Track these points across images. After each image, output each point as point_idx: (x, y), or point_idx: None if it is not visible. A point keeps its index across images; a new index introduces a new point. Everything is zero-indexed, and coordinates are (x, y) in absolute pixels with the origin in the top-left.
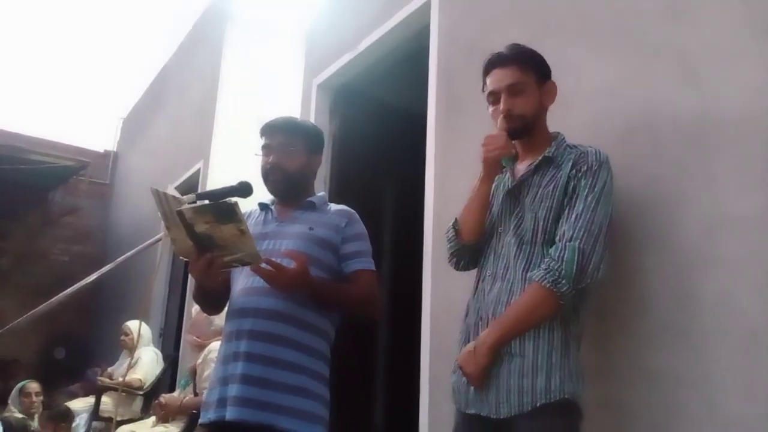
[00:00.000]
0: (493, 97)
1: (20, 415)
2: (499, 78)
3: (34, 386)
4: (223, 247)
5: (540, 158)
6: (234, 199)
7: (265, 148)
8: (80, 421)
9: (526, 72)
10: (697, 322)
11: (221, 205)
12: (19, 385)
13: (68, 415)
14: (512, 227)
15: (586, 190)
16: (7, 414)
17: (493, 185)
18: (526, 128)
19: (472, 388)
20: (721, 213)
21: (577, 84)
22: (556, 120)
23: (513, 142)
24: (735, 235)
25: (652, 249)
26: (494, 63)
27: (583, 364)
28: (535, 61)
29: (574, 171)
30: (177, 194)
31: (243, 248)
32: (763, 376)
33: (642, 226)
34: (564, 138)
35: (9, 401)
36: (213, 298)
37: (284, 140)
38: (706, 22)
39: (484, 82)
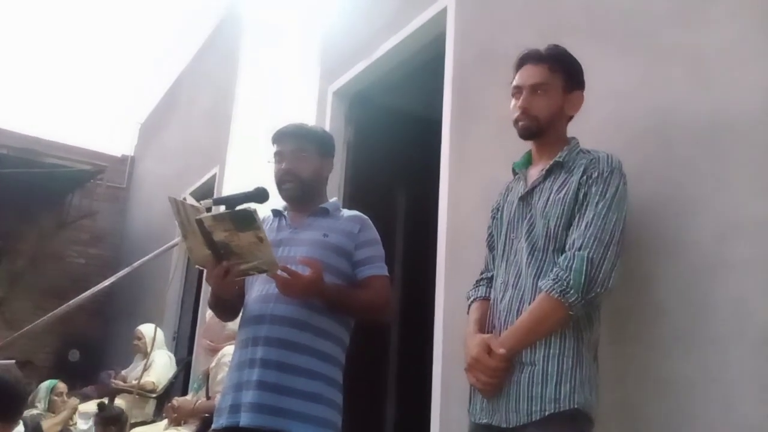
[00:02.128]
0: (517, 92)
1: (37, 412)
2: (527, 74)
3: (63, 386)
4: (240, 255)
5: (551, 163)
6: (253, 206)
7: (277, 155)
8: (94, 423)
9: (554, 74)
10: (710, 327)
11: (241, 213)
12: (50, 384)
13: (121, 418)
14: (524, 233)
15: (597, 197)
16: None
17: (507, 190)
18: (539, 130)
19: (485, 398)
20: (733, 217)
21: (589, 87)
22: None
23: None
24: (748, 239)
25: (663, 253)
26: (527, 59)
27: (597, 372)
28: (567, 67)
29: (585, 177)
30: (195, 202)
31: (260, 256)
32: None
33: (654, 230)
34: (578, 143)
35: (37, 399)
36: (229, 306)
37: (296, 146)
38: (718, 24)
39: (514, 76)
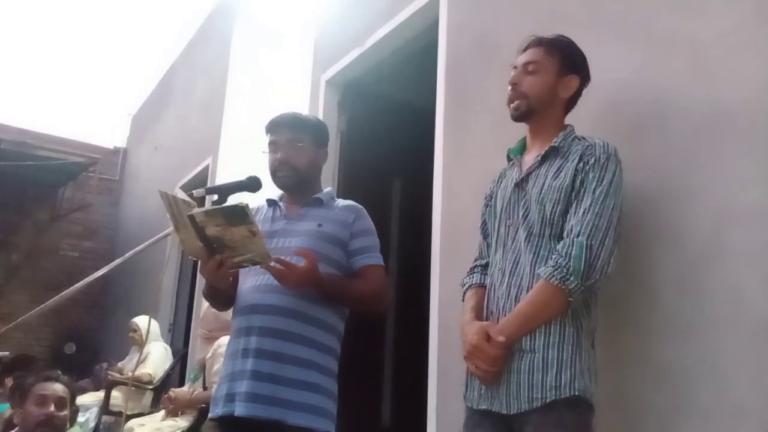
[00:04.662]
0: (513, 71)
1: None
2: (524, 56)
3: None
4: (233, 248)
5: (547, 148)
6: (244, 201)
7: (272, 144)
8: (90, 416)
9: (549, 56)
10: (706, 315)
11: (232, 208)
12: None
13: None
14: (521, 219)
15: (594, 183)
16: None
17: (501, 177)
18: (529, 109)
19: (484, 385)
20: (730, 205)
21: None
22: None
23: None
24: (744, 227)
25: (660, 241)
26: (530, 43)
27: (595, 360)
28: (564, 51)
29: (581, 164)
30: (186, 197)
31: (253, 249)
32: None
33: (650, 219)
34: (573, 129)
35: None
36: (223, 296)
37: (292, 136)
38: (716, 12)
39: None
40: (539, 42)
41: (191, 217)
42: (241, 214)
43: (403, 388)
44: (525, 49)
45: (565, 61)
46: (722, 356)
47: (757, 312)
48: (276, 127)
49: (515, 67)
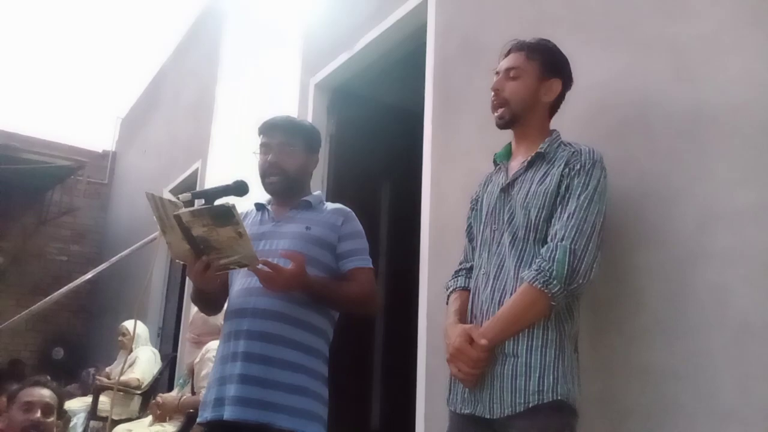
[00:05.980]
0: (495, 76)
1: None
2: (505, 61)
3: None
4: (220, 250)
5: (533, 154)
6: (231, 201)
7: (263, 146)
8: (78, 421)
9: (530, 61)
10: (691, 317)
11: (219, 208)
12: None
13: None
14: (506, 224)
15: (579, 189)
16: None
17: (487, 181)
18: (513, 116)
19: (466, 388)
20: (714, 207)
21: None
22: None
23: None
24: (728, 229)
25: (644, 244)
26: (512, 48)
27: (578, 364)
28: (545, 55)
29: (567, 170)
30: (173, 198)
31: (240, 250)
32: (756, 369)
33: (635, 221)
34: (559, 135)
35: None
36: (211, 300)
37: (283, 139)
38: (699, 14)
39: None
40: (520, 47)
41: (178, 218)
42: (227, 214)
43: (393, 390)
44: (507, 54)
45: (547, 64)
46: (707, 358)
47: (742, 313)
48: (269, 129)
49: (498, 73)
